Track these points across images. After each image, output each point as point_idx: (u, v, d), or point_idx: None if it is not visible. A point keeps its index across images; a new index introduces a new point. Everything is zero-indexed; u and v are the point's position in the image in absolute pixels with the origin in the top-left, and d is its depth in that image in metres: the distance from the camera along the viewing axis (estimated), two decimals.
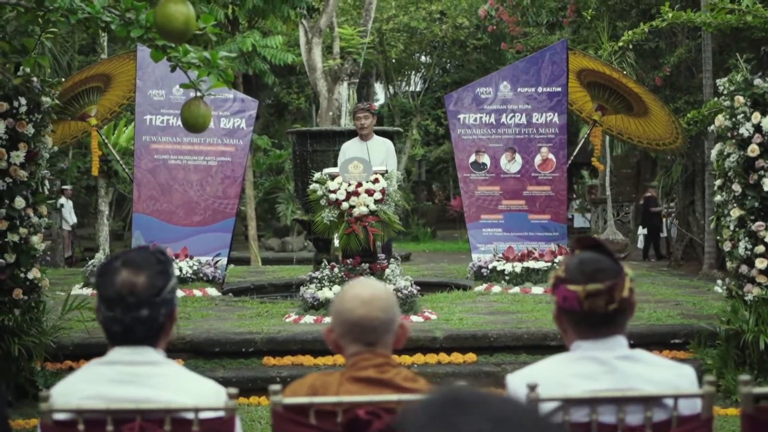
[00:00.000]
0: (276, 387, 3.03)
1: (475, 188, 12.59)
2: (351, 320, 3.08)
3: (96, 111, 12.66)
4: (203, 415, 2.97)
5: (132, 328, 2.99)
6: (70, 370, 8.05)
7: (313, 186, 9.76)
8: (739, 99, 7.59)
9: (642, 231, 23.64)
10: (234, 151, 12.46)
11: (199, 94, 6.55)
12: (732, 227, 7.71)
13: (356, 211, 9.54)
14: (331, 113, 25.06)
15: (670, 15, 13.03)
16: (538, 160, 12.48)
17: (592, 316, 3.02)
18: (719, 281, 8.34)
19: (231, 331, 8.82)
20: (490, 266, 11.91)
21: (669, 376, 3.09)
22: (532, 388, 3.03)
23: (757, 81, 7.63)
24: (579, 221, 27.53)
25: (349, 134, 11.63)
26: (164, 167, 12.31)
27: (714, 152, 7.91)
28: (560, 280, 3.07)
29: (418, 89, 33.95)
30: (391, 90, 34.23)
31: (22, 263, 7.30)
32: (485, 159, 12.57)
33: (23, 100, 7.21)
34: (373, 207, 9.58)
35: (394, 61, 31.12)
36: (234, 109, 12.49)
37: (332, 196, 9.61)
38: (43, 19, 6.65)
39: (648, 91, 12.75)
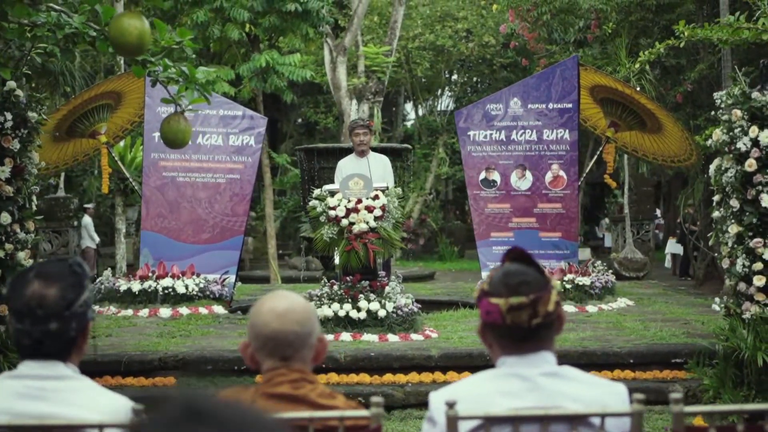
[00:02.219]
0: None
1: (485, 205, 12.46)
2: (265, 334, 2.98)
3: (106, 128, 12.67)
4: (108, 431, 2.88)
5: (41, 342, 2.92)
6: None
7: (313, 203, 9.68)
8: (737, 113, 7.43)
9: (671, 249, 23.32)
10: (243, 168, 12.41)
11: (179, 109, 6.53)
12: (730, 244, 7.53)
13: (356, 228, 9.45)
14: None
15: (686, 33, 12.86)
16: (548, 177, 12.33)
17: (515, 330, 2.89)
18: (717, 299, 8.14)
19: (225, 348, 8.73)
20: None
21: (598, 395, 2.95)
22: (450, 405, 2.91)
23: (755, 94, 7.45)
24: (609, 240, 27.21)
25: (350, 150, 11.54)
26: (173, 184, 12.30)
27: (712, 167, 7.74)
28: (484, 292, 2.95)
29: (448, 108, 33.86)
30: (421, 109, 34.17)
31: (8, 279, 7.26)
32: (495, 176, 12.44)
33: (8, 115, 7.18)
34: (373, 224, 9.48)
35: (422, 80, 31.06)
36: (243, 126, 12.46)
37: (332, 212, 9.53)
38: (31, 34, 6.65)
39: (661, 107, 12.57)
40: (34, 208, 7.57)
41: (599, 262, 12.50)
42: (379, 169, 10.77)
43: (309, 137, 34.84)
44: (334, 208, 9.53)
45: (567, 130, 12.28)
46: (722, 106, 7.58)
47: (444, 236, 31.66)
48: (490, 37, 27.79)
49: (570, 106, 12.26)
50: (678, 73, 17.16)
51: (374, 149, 11.45)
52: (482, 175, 12.46)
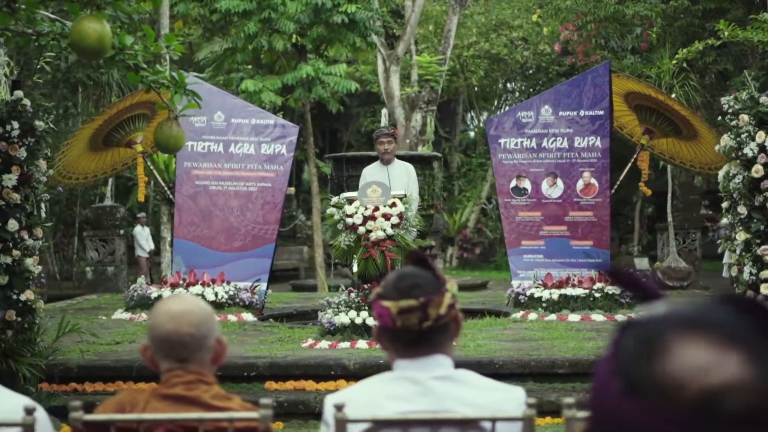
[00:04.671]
0: (76, 403, 2.96)
1: (515, 213, 12.37)
2: (161, 336, 3.00)
3: (142, 138, 12.85)
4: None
5: None
6: (74, 392, 8.15)
7: (330, 210, 9.72)
8: (744, 117, 7.29)
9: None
10: (274, 177, 12.50)
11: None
12: (738, 251, 7.39)
13: (373, 236, 9.45)
14: (408, 141, 25.08)
15: (726, 33, 12.69)
16: (580, 185, 12.20)
17: (406, 333, 2.87)
18: None
19: (236, 355, 8.79)
20: (527, 293, 11.68)
21: (492, 399, 2.92)
22: (339, 408, 2.91)
23: (764, 99, 7.31)
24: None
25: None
26: (205, 193, 12.43)
27: (721, 173, 7.60)
28: (377, 295, 2.94)
29: None
30: (480, 118, 34.06)
31: (15, 285, 7.41)
32: (526, 184, 12.34)
33: (15, 124, 7.33)
34: (390, 231, 9.47)
35: (476, 88, 30.96)
36: (275, 135, 12.54)
37: (349, 220, 9.55)
38: (37, 43, 6.78)
39: (694, 114, 12.37)
40: (43, 215, 7.71)
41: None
42: (402, 177, 10.74)
43: (370, 146, 34.92)
44: (351, 216, 9.55)
45: (599, 138, 12.13)
46: (730, 111, 7.45)
47: (501, 246, 31.48)
48: (545, 45, 27.60)
49: (602, 113, 12.12)
50: (725, 80, 16.88)
51: (402, 157, 11.45)
52: (513, 183, 12.37)
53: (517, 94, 33.35)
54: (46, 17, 6.21)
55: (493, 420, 2.86)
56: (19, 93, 7.38)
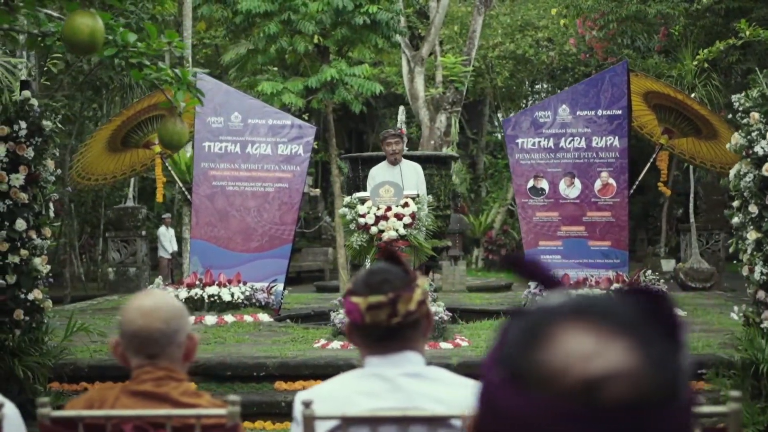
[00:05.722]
0: (43, 400, 2.95)
1: (533, 214, 12.29)
2: (130, 332, 2.99)
3: None
4: None
5: None
6: (86, 390, 8.17)
7: (342, 210, 9.70)
8: (755, 115, 7.20)
9: None
10: (291, 178, 12.48)
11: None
12: (749, 251, 7.29)
13: (385, 236, 9.42)
14: (432, 142, 25.04)
15: (748, 33, 12.57)
16: (598, 185, 12.11)
17: (375, 329, 2.85)
18: (735, 308, 7.89)
19: (247, 355, 8.79)
20: (544, 293, 11.57)
21: (463, 396, 2.88)
22: (307, 405, 2.88)
23: None
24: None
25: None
26: (222, 193, 12.44)
27: (732, 172, 7.51)
28: (347, 291, 2.92)
29: None
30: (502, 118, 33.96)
31: (23, 284, 7.44)
32: (544, 184, 12.26)
33: (23, 124, 7.36)
34: (402, 231, 9.44)
35: (503, 89, 30.85)
36: (291, 136, 12.52)
37: (361, 220, 9.53)
38: (43, 44, 6.80)
39: (714, 113, 12.24)
40: (52, 215, 7.73)
41: (649, 272, 12.22)
42: (412, 177, 10.73)
43: None
44: (363, 216, 9.53)
45: (616, 137, 12.04)
46: (740, 109, 7.35)
47: None
48: (570, 46, 27.47)
49: (619, 112, 12.02)
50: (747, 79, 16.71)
51: (418, 158, 11.42)
52: (530, 183, 12.30)
53: (544, 95, 33.22)
54: (49, 16, 6.23)
55: (464, 417, 2.82)
56: (26, 93, 7.41)
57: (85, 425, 2.91)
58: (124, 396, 2.97)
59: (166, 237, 21.75)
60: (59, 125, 7.85)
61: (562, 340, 1.12)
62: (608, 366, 1.09)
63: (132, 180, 18.86)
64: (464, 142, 32.85)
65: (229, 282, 11.91)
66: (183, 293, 11.65)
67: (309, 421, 2.86)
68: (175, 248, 22.16)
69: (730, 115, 8.43)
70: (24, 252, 7.41)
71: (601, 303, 1.16)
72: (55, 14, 6.28)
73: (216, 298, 11.64)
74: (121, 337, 3.01)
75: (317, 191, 31.97)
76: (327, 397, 2.92)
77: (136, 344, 2.98)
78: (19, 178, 7.36)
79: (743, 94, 7.49)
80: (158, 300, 3.04)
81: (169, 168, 13.32)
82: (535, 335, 1.14)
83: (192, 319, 11.26)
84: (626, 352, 1.10)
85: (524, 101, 33.52)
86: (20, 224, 7.37)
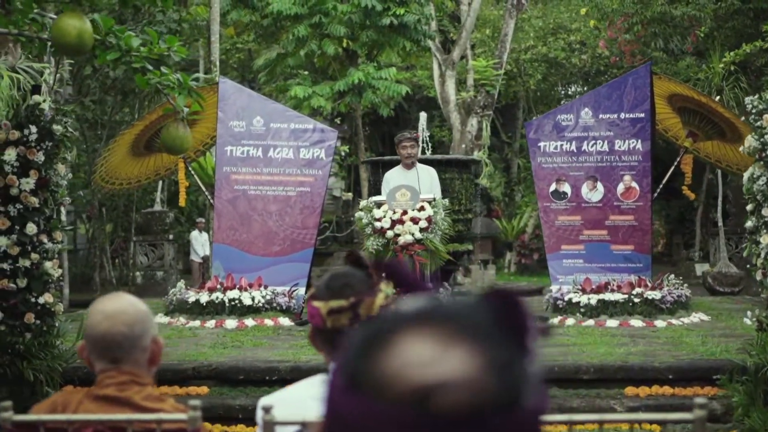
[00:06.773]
0: (6, 404, 2.95)
1: (555, 218, 12.20)
2: (94, 336, 2.98)
3: None
4: None
5: None
6: None
7: (359, 214, 9.69)
8: (767, 118, 7.09)
9: None
10: (313, 182, 12.48)
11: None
12: (763, 255, 7.19)
13: (401, 240, 9.40)
14: (463, 146, 24.96)
15: None
16: (620, 188, 12.00)
17: (338, 334, 2.82)
18: (749, 312, 7.77)
19: (260, 359, 8.79)
20: (566, 298, 11.51)
21: None
22: (267, 410, 2.86)
23: None
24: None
25: (421, 162, 11.48)
26: (244, 197, 12.46)
27: (746, 175, 7.40)
28: (310, 295, 2.90)
29: None
30: None
31: (33, 288, 7.48)
32: (566, 188, 12.17)
33: (33, 128, 7.41)
34: (418, 235, 9.41)
35: (537, 93, 30.72)
36: (313, 140, 12.53)
37: (377, 224, 9.50)
38: (53, 48, 6.84)
39: (737, 117, 12.10)
40: (63, 218, 7.78)
41: (672, 276, 12.09)
42: (427, 180, 10.69)
43: (433, 151, 34.82)
44: (379, 220, 9.51)
45: (639, 141, 11.93)
46: (753, 111, 7.25)
47: None
48: (603, 49, 27.31)
49: (642, 115, 11.91)
50: None
51: (440, 162, 11.38)
52: (553, 187, 12.21)
53: (577, 98, 33.02)
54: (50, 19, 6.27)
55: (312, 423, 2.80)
56: (37, 98, 7.46)
57: (47, 429, 2.90)
58: (88, 400, 2.96)
59: (199, 241, 21.80)
60: (82, 130, 7.88)
61: (400, 347, 1.10)
62: (443, 373, 1.07)
63: (160, 183, 18.95)
64: (499, 146, 32.73)
65: (250, 286, 11.93)
66: (204, 297, 11.69)
67: (269, 426, 2.84)
68: (207, 252, 22.21)
69: None
70: (35, 256, 7.47)
71: (447, 308, 1.14)
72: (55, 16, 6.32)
73: (237, 301, 11.66)
74: (86, 341, 3.00)
75: (349, 195, 31.93)
76: (290, 402, 2.90)
77: (100, 348, 2.97)
78: (29, 183, 7.41)
79: (757, 96, 7.38)
80: (122, 304, 3.02)
81: (192, 172, 13.36)
82: (375, 341, 1.12)
83: (213, 323, 11.31)
84: (465, 358, 1.08)
85: (558, 105, 33.30)
86: (31, 228, 7.42)
